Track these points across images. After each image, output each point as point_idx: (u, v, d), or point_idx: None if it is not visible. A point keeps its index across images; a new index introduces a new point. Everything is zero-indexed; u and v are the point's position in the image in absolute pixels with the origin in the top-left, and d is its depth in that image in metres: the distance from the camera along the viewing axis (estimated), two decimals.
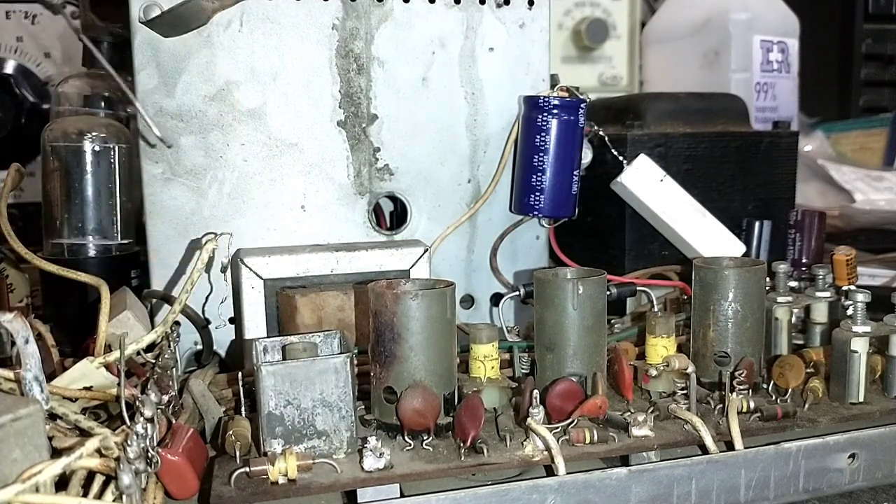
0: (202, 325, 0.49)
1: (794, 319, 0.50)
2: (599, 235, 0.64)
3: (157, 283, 0.52)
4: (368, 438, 0.34)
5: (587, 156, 0.59)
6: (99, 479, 0.31)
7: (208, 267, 0.48)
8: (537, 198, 0.55)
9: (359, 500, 0.33)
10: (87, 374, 0.38)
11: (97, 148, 0.64)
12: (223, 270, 0.48)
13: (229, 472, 0.33)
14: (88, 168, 0.53)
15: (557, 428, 0.36)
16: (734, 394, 0.39)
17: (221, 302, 0.49)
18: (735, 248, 0.59)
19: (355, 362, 0.37)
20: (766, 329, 0.44)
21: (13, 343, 0.33)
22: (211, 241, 0.42)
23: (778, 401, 0.40)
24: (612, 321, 0.54)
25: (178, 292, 0.42)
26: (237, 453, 0.35)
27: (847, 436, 0.37)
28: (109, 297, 0.42)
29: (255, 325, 0.48)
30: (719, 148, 0.63)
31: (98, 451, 0.30)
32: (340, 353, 0.39)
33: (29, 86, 0.88)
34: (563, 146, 0.54)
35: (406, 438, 0.36)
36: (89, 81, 0.72)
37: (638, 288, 0.56)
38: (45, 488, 0.27)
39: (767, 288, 0.47)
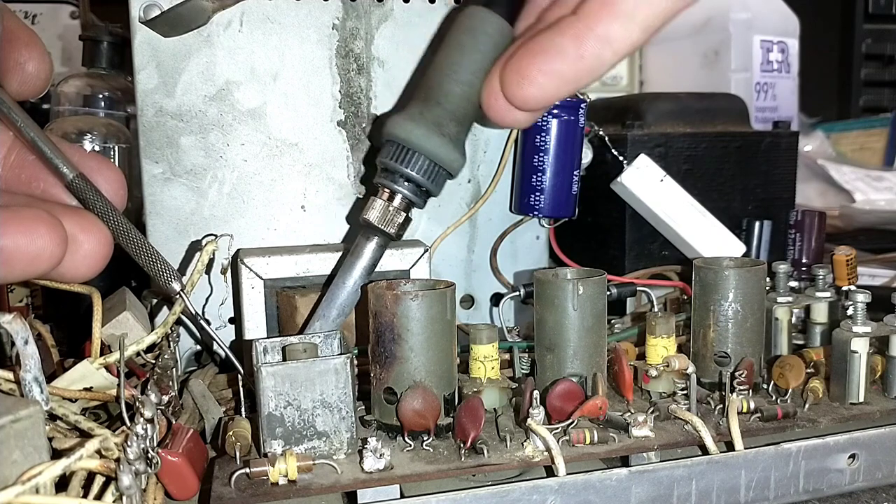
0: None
1: (794, 319, 0.50)
2: (599, 235, 0.64)
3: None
4: (368, 439, 0.34)
5: (587, 156, 0.59)
6: (99, 480, 0.31)
7: (208, 268, 0.48)
8: (537, 198, 0.55)
9: (359, 501, 0.33)
10: (86, 375, 0.38)
11: (97, 148, 0.64)
12: (223, 272, 0.48)
13: (229, 472, 0.33)
14: None
15: (557, 428, 0.36)
16: (734, 394, 0.39)
17: (221, 304, 0.49)
18: (735, 248, 0.59)
19: (355, 363, 0.37)
20: (766, 329, 0.44)
21: (13, 344, 0.33)
22: (211, 243, 0.42)
23: (778, 401, 0.40)
24: (612, 321, 0.54)
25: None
26: (237, 454, 0.35)
27: (847, 436, 0.37)
28: (103, 301, 0.42)
29: (255, 325, 0.48)
30: (719, 148, 0.63)
31: (98, 452, 0.30)
32: (340, 353, 0.39)
33: None
34: (563, 146, 0.54)
35: (406, 439, 0.36)
36: (89, 81, 0.72)
37: (638, 288, 0.56)
38: (45, 490, 0.27)
39: (767, 288, 0.47)
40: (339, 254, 0.49)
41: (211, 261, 0.45)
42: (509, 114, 0.40)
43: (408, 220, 0.44)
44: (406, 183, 0.42)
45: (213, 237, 0.43)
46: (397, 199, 0.43)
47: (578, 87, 0.39)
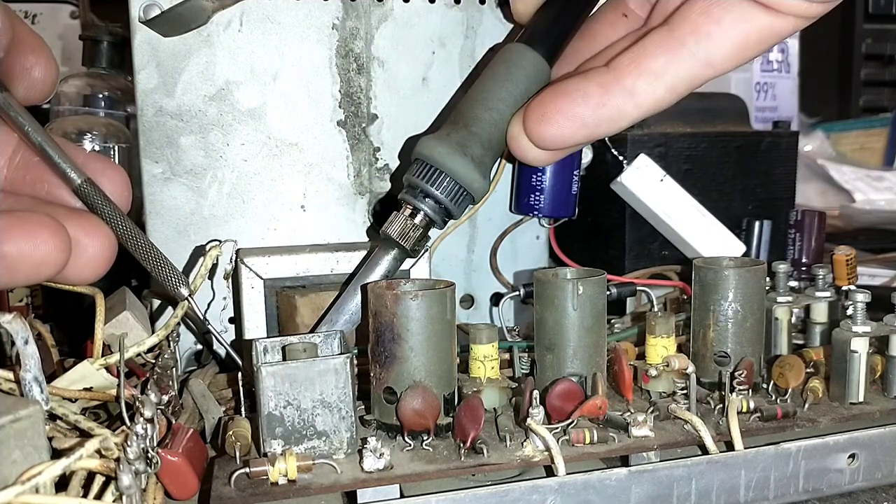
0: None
1: (794, 319, 0.50)
2: (599, 235, 0.64)
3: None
4: (368, 439, 0.34)
5: (587, 156, 0.59)
6: (99, 480, 0.31)
7: (212, 274, 0.48)
8: (537, 198, 0.55)
9: (359, 501, 0.33)
10: (86, 375, 0.38)
11: (97, 147, 0.64)
12: (226, 277, 0.48)
13: (229, 472, 0.33)
14: None
15: (557, 428, 0.36)
16: (734, 394, 0.39)
17: (223, 309, 0.49)
18: (735, 248, 0.59)
19: (355, 363, 0.37)
20: (766, 329, 0.44)
21: (13, 344, 0.33)
22: (215, 249, 0.42)
23: (778, 401, 0.40)
24: (612, 321, 0.54)
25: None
26: (237, 454, 0.35)
27: (847, 436, 0.37)
28: (104, 301, 0.42)
29: (255, 325, 0.48)
30: (719, 148, 0.63)
31: (98, 451, 0.30)
32: (340, 353, 0.39)
33: None
34: None
35: (406, 439, 0.36)
36: (89, 81, 0.72)
37: (638, 288, 0.56)
38: (45, 489, 0.27)
39: (767, 288, 0.47)
40: (339, 253, 0.49)
41: (214, 266, 0.45)
42: (529, 151, 0.42)
43: (426, 238, 0.45)
44: (427, 200, 0.44)
45: (217, 243, 0.43)
46: (418, 217, 0.44)
47: (596, 136, 0.40)
